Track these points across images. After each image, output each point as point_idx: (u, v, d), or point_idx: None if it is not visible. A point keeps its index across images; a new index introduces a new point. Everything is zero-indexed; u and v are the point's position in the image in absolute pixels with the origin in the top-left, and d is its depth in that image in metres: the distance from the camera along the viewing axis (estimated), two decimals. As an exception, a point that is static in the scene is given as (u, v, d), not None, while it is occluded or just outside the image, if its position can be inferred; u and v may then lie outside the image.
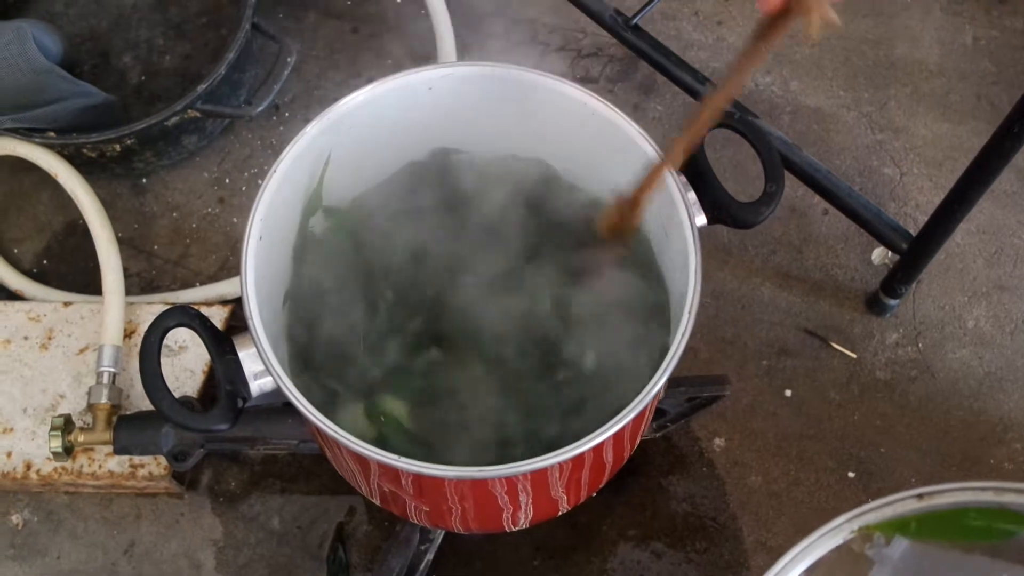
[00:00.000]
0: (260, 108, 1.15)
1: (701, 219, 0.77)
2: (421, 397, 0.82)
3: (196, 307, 0.92)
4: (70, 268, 1.22)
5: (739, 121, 0.79)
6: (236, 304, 1.14)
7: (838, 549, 0.72)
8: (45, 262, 1.23)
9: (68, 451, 1.00)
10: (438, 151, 0.90)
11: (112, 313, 1.08)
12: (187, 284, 1.20)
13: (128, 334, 1.09)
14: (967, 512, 0.72)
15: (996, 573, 0.73)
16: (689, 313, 0.72)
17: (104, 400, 1.03)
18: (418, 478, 0.71)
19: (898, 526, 0.73)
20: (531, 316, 0.84)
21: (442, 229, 0.87)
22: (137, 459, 1.05)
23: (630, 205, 0.73)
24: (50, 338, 1.10)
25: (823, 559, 0.72)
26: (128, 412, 1.03)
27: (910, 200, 1.23)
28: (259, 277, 0.75)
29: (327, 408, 0.80)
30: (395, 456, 0.67)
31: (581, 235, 0.86)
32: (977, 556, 0.74)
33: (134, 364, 1.05)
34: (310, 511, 1.08)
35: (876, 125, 1.28)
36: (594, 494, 0.86)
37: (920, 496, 0.73)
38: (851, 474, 1.08)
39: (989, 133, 0.91)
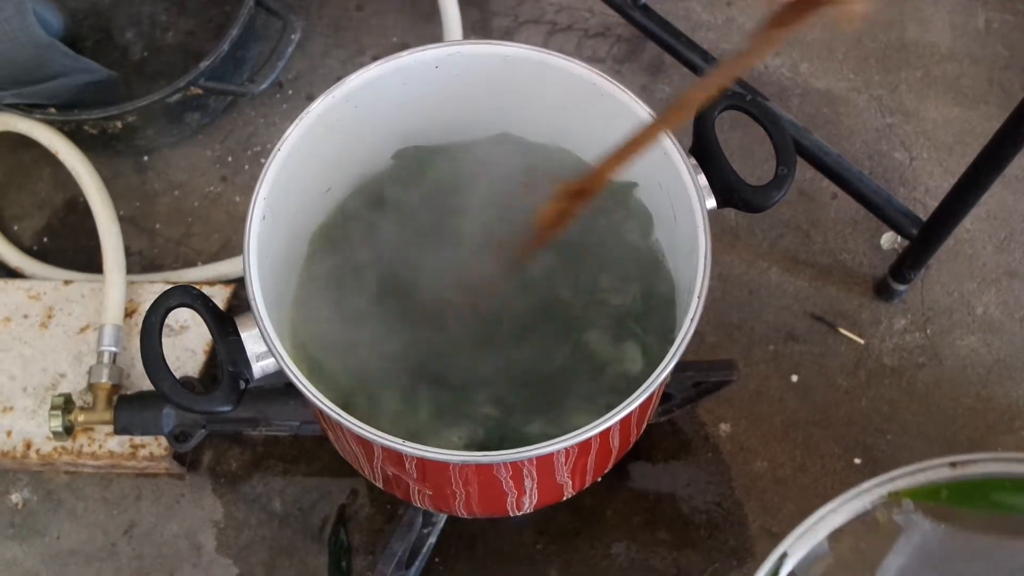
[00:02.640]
0: (264, 86, 1.14)
1: (711, 202, 0.76)
2: (426, 378, 0.81)
3: (198, 287, 0.91)
4: (71, 246, 1.21)
5: (751, 103, 0.77)
6: (239, 284, 1.13)
7: (862, 519, 0.72)
8: (45, 240, 1.22)
9: (68, 431, 1.00)
10: (443, 130, 0.89)
11: (113, 292, 1.07)
12: (189, 263, 1.19)
13: (129, 313, 1.08)
14: (1000, 483, 0.72)
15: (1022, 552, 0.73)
16: (698, 298, 0.71)
17: (105, 380, 1.02)
18: (422, 462, 0.71)
19: (928, 493, 0.72)
20: (538, 296, 0.83)
21: (449, 210, 0.86)
22: (138, 439, 1.04)
23: (607, 166, 0.68)
24: (50, 316, 1.09)
25: (847, 527, 0.72)
26: (129, 392, 1.03)
27: (920, 185, 1.22)
28: (262, 257, 0.74)
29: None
30: (399, 440, 0.67)
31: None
32: (1004, 535, 0.74)
33: (135, 343, 1.04)
34: (312, 493, 1.07)
35: (886, 109, 1.27)
36: (599, 479, 0.85)
37: (953, 464, 0.72)
38: (857, 460, 1.07)
39: (1001, 118, 0.90)
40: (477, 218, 0.85)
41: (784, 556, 0.72)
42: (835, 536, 0.72)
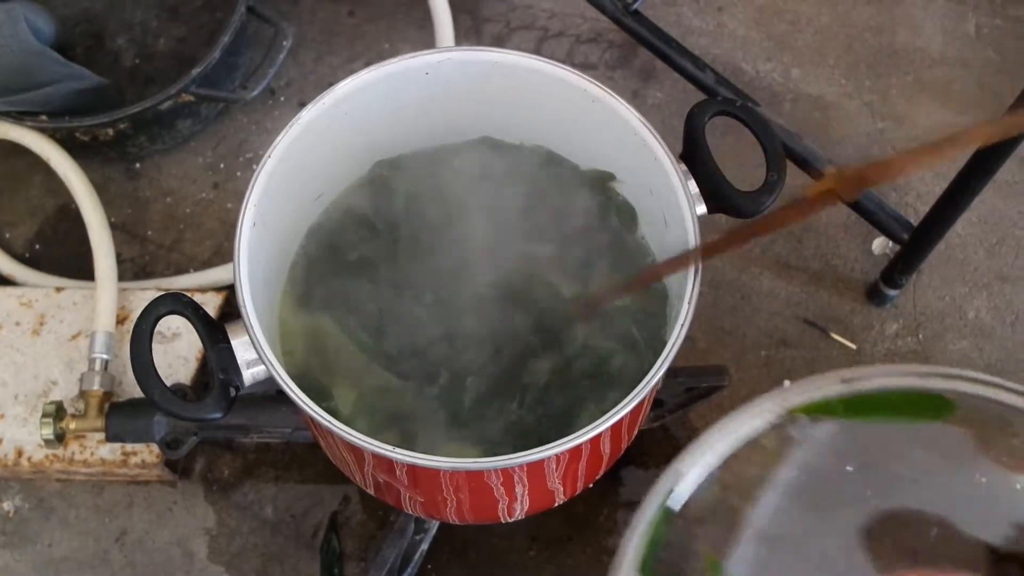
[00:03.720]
0: (255, 92, 1.14)
1: (701, 208, 0.76)
2: (416, 385, 0.81)
3: (190, 294, 0.91)
4: (62, 253, 1.20)
5: (741, 109, 0.78)
6: (230, 291, 1.13)
7: (750, 444, 0.72)
8: (37, 247, 1.21)
9: (60, 438, 0.99)
10: (432, 136, 0.89)
11: (105, 299, 1.07)
12: (181, 270, 1.19)
13: (121, 320, 1.08)
14: (889, 396, 0.73)
15: (917, 451, 0.73)
16: (688, 304, 0.71)
17: (96, 387, 1.02)
18: (413, 469, 0.71)
19: (822, 407, 0.73)
20: (530, 299, 0.83)
21: (441, 215, 0.86)
22: (129, 447, 1.04)
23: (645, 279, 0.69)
24: (42, 324, 1.09)
25: (734, 453, 0.72)
26: (121, 399, 1.03)
27: (911, 190, 1.22)
28: (253, 264, 0.74)
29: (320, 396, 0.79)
30: (390, 447, 0.67)
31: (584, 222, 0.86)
32: (899, 436, 0.74)
33: (127, 350, 1.03)
34: (304, 500, 1.07)
35: (878, 114, 1.27)
36: (591, 485, 0.85)
37: (845, 380, 0.73)
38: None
39: (992, 122, 0.91)
40: (463, 224, 0.85)
41: (679, 473, 0.72)
42: (712, 491, 0.72)
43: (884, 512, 0.71)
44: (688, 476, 0.71)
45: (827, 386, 0.74)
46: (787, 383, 0.76)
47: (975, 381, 0.73)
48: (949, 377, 0.73)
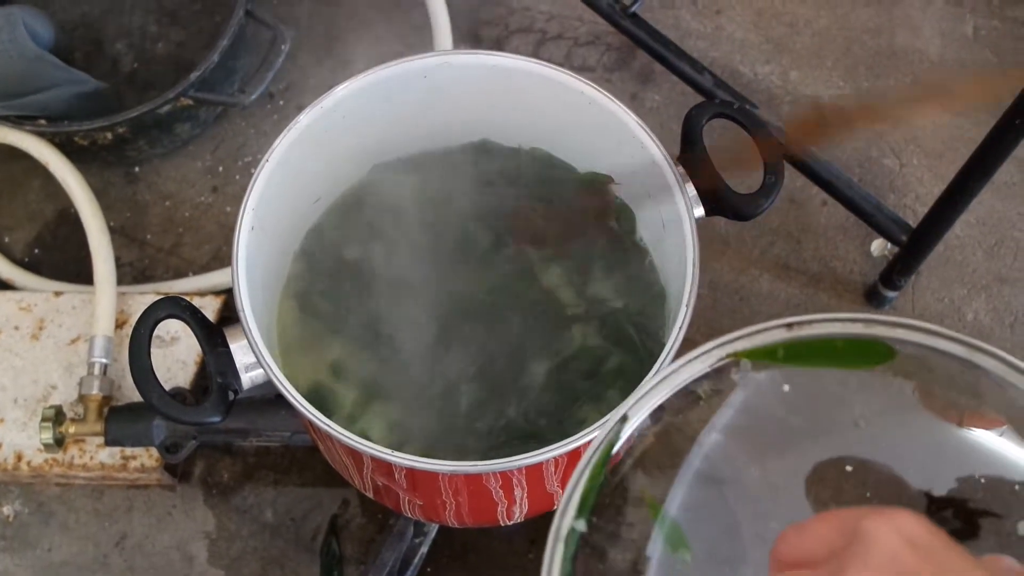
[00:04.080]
0: (254, 96, 1.14)
1: (699, 211, 0.76)
2: (415, 388, 0.81)
3: (189, 297, 0.91)
4: (61, 257, 1.21)
5: (739, 111, 0.78)
6: (229, 294, 1.13)
7: (684, 394, 0.73)
8: (36, 251, 1.22)
9: (59, 442, 0.99)
10: (430, 139, 0.89)
11: (104, 303, 1.07)
12: (180, 274, 1.19)
13: (120, 324, 1.08)
14: (832, 343, 0.73)
15: (858, 398, 0.74)
16: (687, 306, 0.71)
17: (95, 391, 1.02)
18: (411, 472, 0.71)
19: (765, 353, 0.73)
20: (531, 302, 0.83)
21: (439, 218, 0.86)
22: (129, 451, 1.04)
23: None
24: (41, 328, 1.09)
25: (667, 403, 0.73)
26: (120, 403, 1.03)
27: (910, 191, 1.22)
28: (251, 268, 0.74)
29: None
30: (388, 450, 0.67)
31: (583, 221, 0.86)
32: (840, 382, 0.75)
33: (126, 354, 1.04)
34: (303, 503, 1.07)
35: (876, 115, 1.27)
36: (590, 488, 0.85)
37: (789, 326, 0.74)
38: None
39: (990, 124, 0.90)
40: (461, 227, 0.86)
41: (624, 419, 0.73)
42: (655, 414, 0.73)
43: (825, 461, 0.72)
44: (631, 421, 0.72)
45: (771, 332, 0.74)
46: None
47: (917, 329, 0.74)
48: (891, 325, 0.74)
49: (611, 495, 0.71)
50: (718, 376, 0.74)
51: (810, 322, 0.75)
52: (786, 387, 0.74)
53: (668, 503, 0.70)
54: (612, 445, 0.72)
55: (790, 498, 0.70)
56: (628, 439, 0.72)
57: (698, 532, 0.68)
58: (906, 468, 0.70)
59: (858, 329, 0.74)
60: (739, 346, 0.74)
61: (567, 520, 0.69)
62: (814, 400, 0.75)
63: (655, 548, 0.68)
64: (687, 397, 0.74)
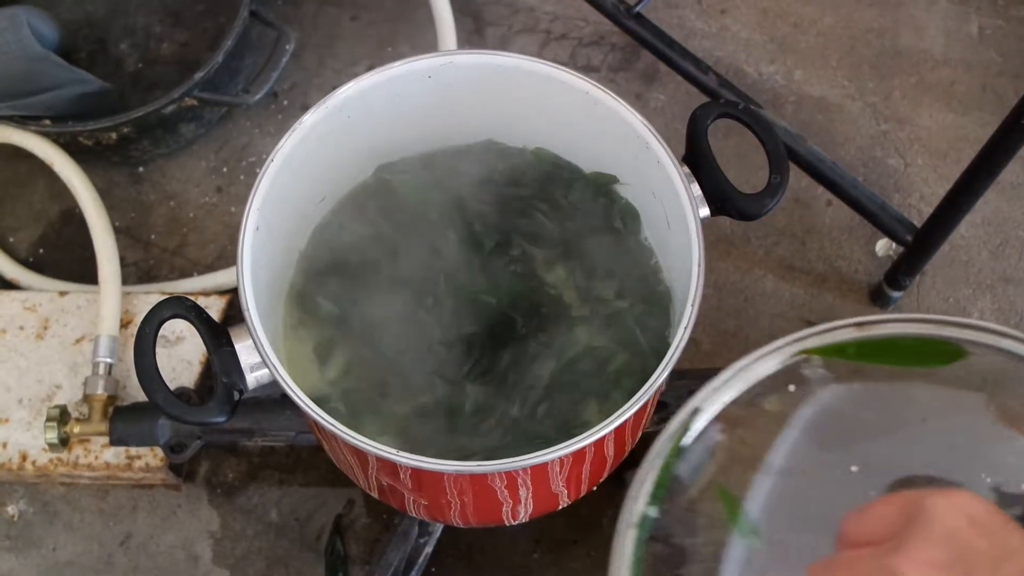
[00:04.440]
0: (258, 96, 1.14)
1: (704, 211, 0.76)
2: (419, 388, 0.81)
3: (193, 297, 0.91)
4: (66, 257, 1.21)
5: (744, 111, 0.77)
6: (234, 294, 1.13)
7: (752, 406, 0.74)
8: (41, 251, 1.22)
9: (64, 442, 1.00)
10: (435, 139, 0.89)
11: (108, 303, 1.07)
12: (185, 273, 1.19)
13: (125, 324, 1.08)
14: (902, 342, 0.74)
15: (925, 392, 0.75)
16: (692, 306, 0.71)
17: (100, 391, 1.02)
18: (417, 472, 0.71)
19: (836, 350, 0.74)
20: (536, 302, 0.83)
21: (445, 218, 0.86)
22: (134, 450, 1.04)
23: None
24: (46, 328, 1.09)
25: (738, 415, 0.73)
26: (125, 403, 1.03)
27: (914, 191, 1.22)
28: (256, 268, 0.74)
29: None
30: (394, 450, 0.66)
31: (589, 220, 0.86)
32: (906, 384, 0.76)
33: (131, 354, 1.04)
34: (308, 503, 1.07)
35: (881, 115, 1.27)
36: (595, 488, 0.85)
37: (860, 325, 0.75)
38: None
39: (995, 124, 0.90)
40: (466, 227, 0.85)
41: (696, 410, 0.73)
42: (726, 428, 0.73)
43: (895, 455, 0.73)
44: (703, 414, 0.73)
45: (841, 330, 0.75)
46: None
47: (987, 331, 0.75)
48: (961, 326, 0.75)
49: (680, 485, 0.72)
50: (789, 372, 0.75)
51: (881, 321, 0.76)
52: (855, 384, 0.75)
53: (739, 492, 0.70)
54: (682, 436, 0.72)
55: (860, 489, 0.70)
56: (698, 432, 0.73)
57: (768, 519, 0.68)
58: (974, 464, 0.70)
59: (928, 329, 0.75)
60: (810, 343, 0.74)
61: (639, 506, 0.70)
62: (883, 396, 0.76)
63: (726, 535, 0.69)
64: (758, 392, 0.74)
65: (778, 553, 0.69)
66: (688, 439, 0.72)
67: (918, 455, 0.72)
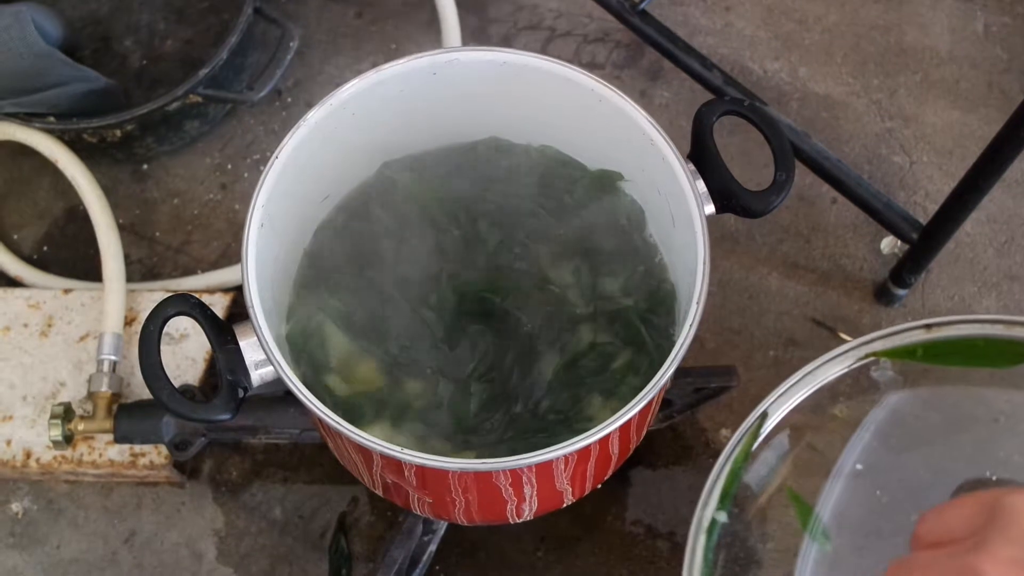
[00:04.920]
0: (262, 93, 1.14)
1: (710, 208, 0.76)
2: (423, 386, 0.81)
3: (197, 295, 0.91)
4: (70, 254, 1.21)
5: (749, 108, 0.77)
6: (238, 292, 1.13)
7: (821, 412, 0.74)
8: (45, 248, 1.22)
9: (68, 439, 1.00)
10: (438, 136, 0.89)
11: (113, 300, 1.07)
12: (189, 271, 1.19)
13: (129, 321, 1.08)
14: (972, 342, 0.74)
15: (997, 392, 0.75)
16: (697, 304, 0.70)
17: (104, 388, 1.02)
18: (421, 470, 0.70)
19: (904, 353, 0.74)
20: (540, 300, 0.83)
21: (449, 216, 0.86)
22: (138, 448, 1.04)
23: None
24: (50, 325, 1.09)
25: (805, 422, 0.73)
26: (129, 400, 1.03)
27: (920, 189, 1.22)
28: (261, 265, 0.74)
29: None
30: (398, 448, 0.66)
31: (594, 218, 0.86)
32: (976, 385, 0.76)
33: (135, 352, 1.03)
34: (312, 501, 1.07)
35: (886, 112, 1.27)
36: (600, 486, 0.85)
37: (928, 327, 0.75)
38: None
39: (1000, 121, 0.90)
40: (471, 224, 0.85)
41: (765, 415, 0.73)
42: (795, 433, 0.73)
43: (968, 478, 0.73)
44: (771, 419, 0.73)
45: (909, 332, 0.75)
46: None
47: None
48: None
49: (748, 489, 0.72)
50: (858, 375, 0.75)
51: (949, 323, 0.76)
52: (924, 386, 0.75)
53: (809, 497, 0.70)
54: (752, 441, 0.72)
55: (932, 490, 0.70)
56: (767, 435, 0.73)
57: (839, 523, 0.68)
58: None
59: (998, 331, 0.75)
60: (878, 346, 0.74)
61: (708, 512, 0.70)
62: (953, 398, 0.75)
63: (798, 540, 0.69)
64: (826, 395, 0.74)
65: (851, 557, 0.68)
66: (756, 444, 0.72)
67: (990, 456, 0.72)
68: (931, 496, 0.70)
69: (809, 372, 0.74)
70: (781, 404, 0.74)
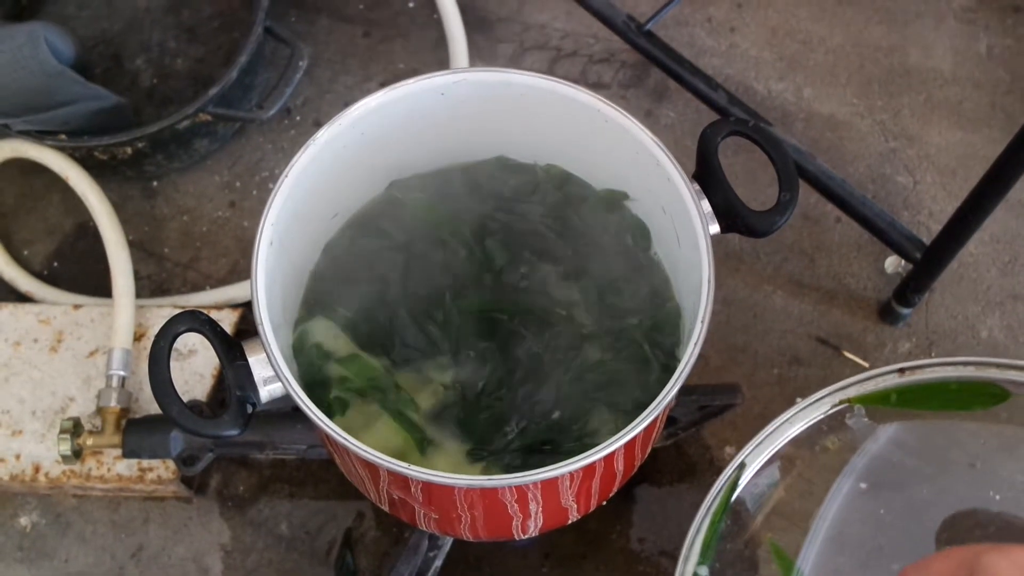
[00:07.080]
0: (272, 112, 1.15)
1: (714, 228, 0.76)
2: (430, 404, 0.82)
3: (206, 311, 0.92)
4: (80, 271, 1.22)
5: (754, 128, 0.78)
6: (246, 308, 1.13)
7: (811, 445, 0.74)
8: (55, 264, 1.23)
9: (77, 454, 1.00)
10: (446, 155, 0.90)
11: (122, 316, 1.07)
12: (197, 287, 1.20)
13: (138, 337, 1.09)
14: (945, 386, 0.74)
15: (971, 436, 0.75)
16: (701, 322, 0.71)
17: (113, 403, 1.03)
18: (428, 486, 0.71)
19: (878, 399, 0.74)
20: (546, 318, 0.83)
21: (456, 234, 0.86)
22: (146, 463, 1.05)
23: None
24: (60, 341, 1.10)
25: (796, 454, 0.73)
26: (137, 415, 1.03)
27: (923, 208, 1.22)
28: (270, 282, 0.74)
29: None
30: (405, 464, 0.67)
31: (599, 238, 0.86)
32: (954, 423, 0.76)
33: (144, 367, 1.05)
34: (318, 516, 1.07)
35: (890, 133, 1.27)
36: (605, 502, 0.85)
37: (901, 371, 0.75)
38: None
39: (1003, 142, 0.91)
40: (478, 242, 0.86)
41: (742, 466, 0.73)
42: (784, 466, 0.73)
43: (946, 505, 0.73)
44: (749, 468, 0.73)
45: (883, 377, 0.76)
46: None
47: None
48: (1004, 367, 0.75)
49: (730, 542, 0.72)
50: (832, 422, 0.75)
51: (922, 367, 0.76)
52: (900, 431, 0.75)
53: (790, 548, 0.70)
54: (731, 492, 0.72)
55: (912, 539, 0.70)
56: (745, 485, 0.73)
57: (821, 574, 0.68)
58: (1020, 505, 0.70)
59: (970, 372, 0.75)
60: (851, 392, 0.74)
61: (690, 567, 0.70)
62: (929, 442, 0.76)
63: None
64: (803, 444, 0.74)
65: None
66: (735, 495, 0.73)
67: (968, 498, 0.72)
68: (912, 542, 0.70)
69: (786, 420, 0.74)
70: (759, 454, 0.74)
